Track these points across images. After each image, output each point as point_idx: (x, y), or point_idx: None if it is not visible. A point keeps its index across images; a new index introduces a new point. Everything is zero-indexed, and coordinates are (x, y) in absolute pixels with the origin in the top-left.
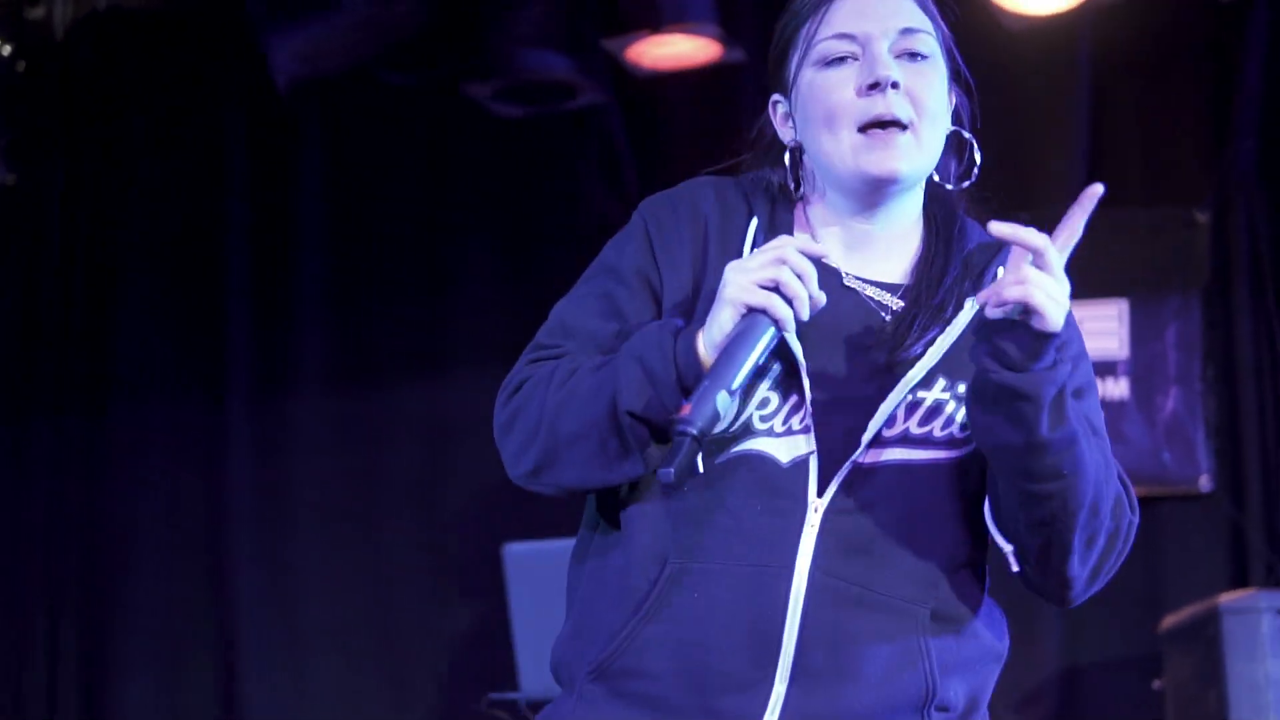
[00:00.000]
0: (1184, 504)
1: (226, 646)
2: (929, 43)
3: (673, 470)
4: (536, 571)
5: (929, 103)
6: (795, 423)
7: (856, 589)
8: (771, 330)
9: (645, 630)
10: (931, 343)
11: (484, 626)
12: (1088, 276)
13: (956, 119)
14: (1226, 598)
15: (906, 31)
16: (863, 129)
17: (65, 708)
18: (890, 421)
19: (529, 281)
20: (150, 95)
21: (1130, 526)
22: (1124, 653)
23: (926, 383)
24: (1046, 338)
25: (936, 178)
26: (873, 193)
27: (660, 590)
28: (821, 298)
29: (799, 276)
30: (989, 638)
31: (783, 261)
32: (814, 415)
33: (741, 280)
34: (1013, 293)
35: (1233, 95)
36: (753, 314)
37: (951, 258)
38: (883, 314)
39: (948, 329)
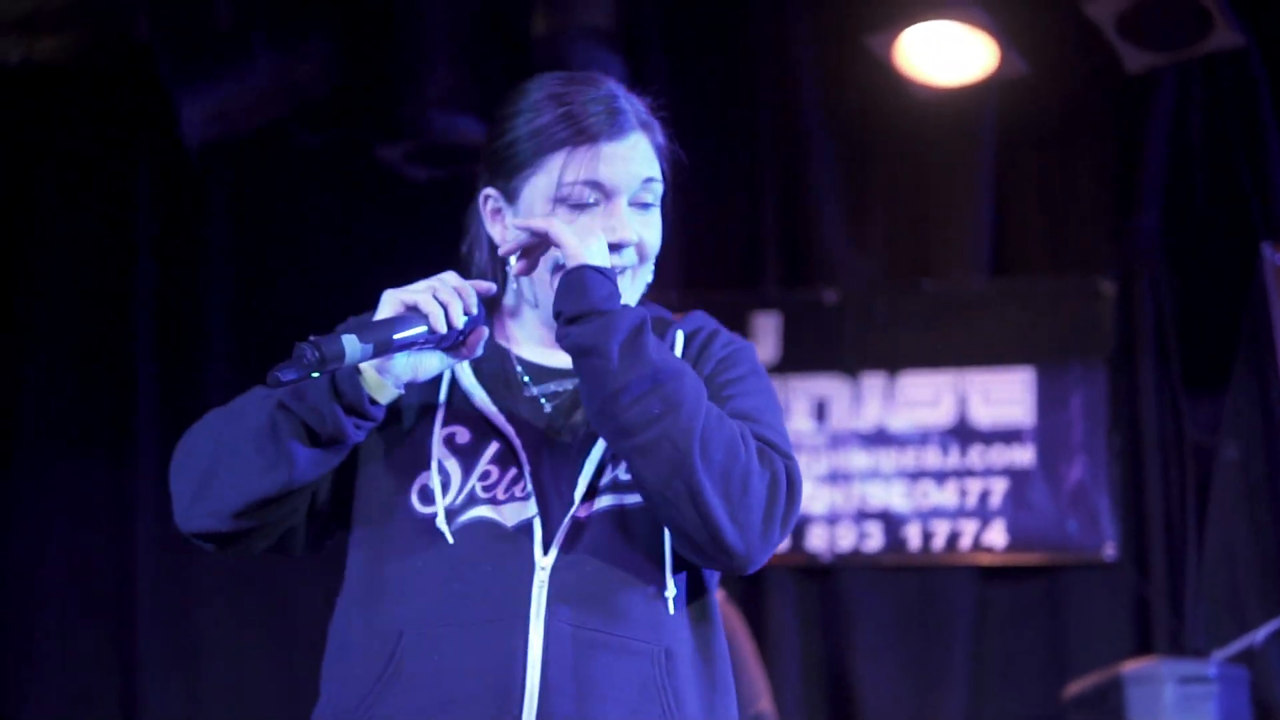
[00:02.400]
0: (1088, 572)
1: (129, 704)
2: (656, 190)
3: (279, 372)
4: None
5: (653, 247)
6: (517, 490)
7: (593, 633)
8: (423, 327)
9: (383, 705)
10: None
11: None
12: (995, 344)
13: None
14: (1130, 665)
15: (647, 181)
16: None
17: None
18: (600, 472)
19: None
20: (60, 152)
21: (786, 468)
22: (1028, 718)
23: None
24: (588, 272)
25: None
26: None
27: (396, 663)
28: (474, 309)
29: (458, 298)
30: (719, 673)
31: (438, 285)
32: (533, 482)
33: (399, 292)
34: (532, 224)
35: (1138, 166)
36: (411, 311)
37: None
38: (570, 390)
39: None
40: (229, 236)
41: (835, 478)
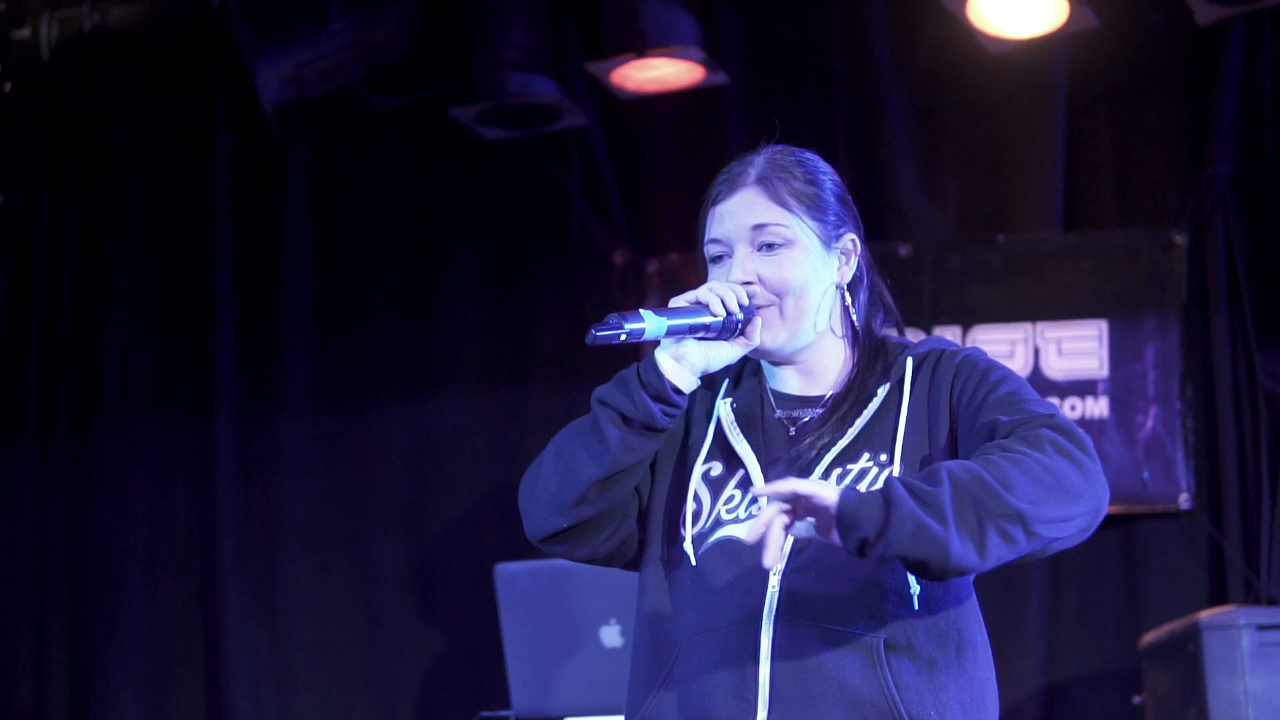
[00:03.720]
0: (1163, 522)
1: (214, 665)
2: (780, 232)
3: (594, 332)
4: (528, 591)
5: (787, 283)
6: (755, 510)
7: (816, 628)
8: (707, 315)
9: (660, 696)
10: (850, 426)
11: (474, 645)
12: (1068, 297)
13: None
14: (1206, 614)
15: (758, 228)
16: None
17: (54, 711)
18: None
19: (513, 302)
20: (137, 116)
21: (1054, 428)
22: (1104, 669)
23: (852, 456)
24: (851, 540)
25: (854, 314)
26: (758, 356)
27: (671, 666)
28: (745, 301)
29: (733, 292)
30: (955, 668)
31: (713, 284)
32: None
33: (684, 295)
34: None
35: (1209, 117)
36: (696, 305)
37: (868, 366)
38: (813, 418)
39: (862, 414)
40: (305, 198)
41: None
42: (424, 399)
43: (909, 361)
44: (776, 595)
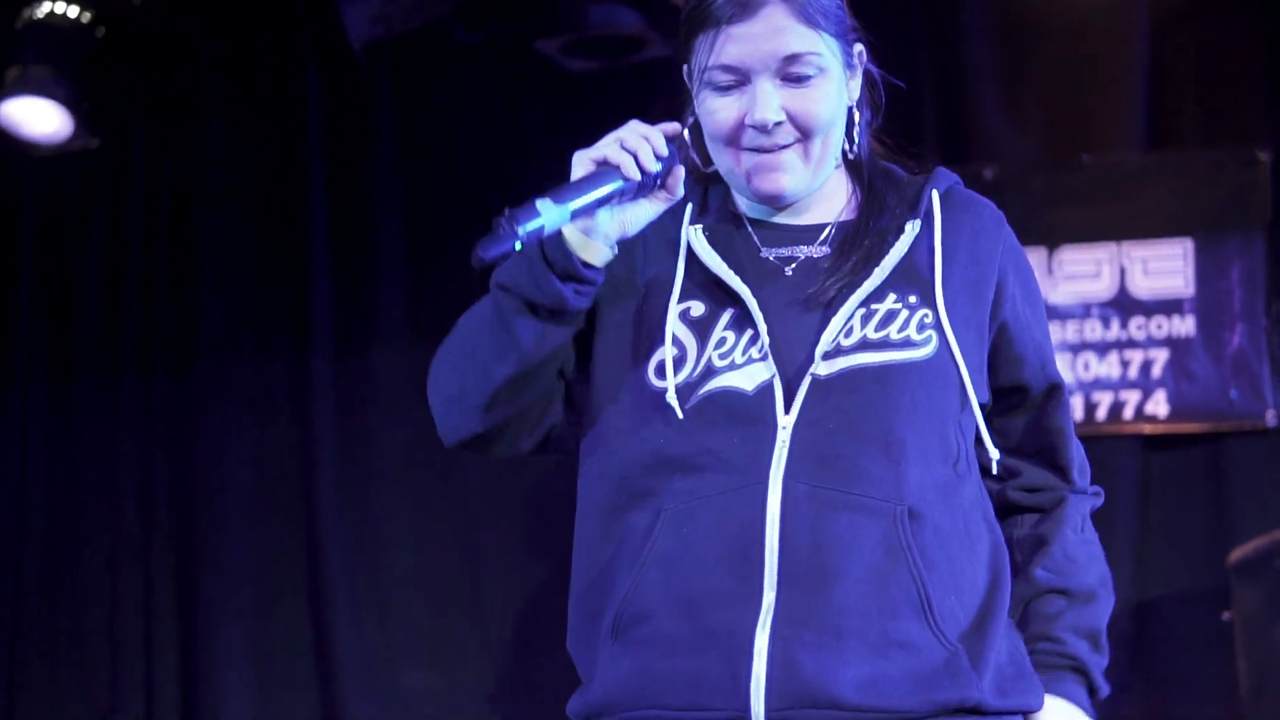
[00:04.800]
0: (1250, 439)
1: (316, 597)
2: (815, 61)
3: (481, 250)
4: None
5: (818, 119)
6: (754, 352)
7: (832, 492)
8: (618, 180)
9: (644, 577)
10: (879, 262)
11: (567, 575)
12: (1153, 216)
13: (868, 79)
14: None
15: (790, 58)
16: (751, 149)
17: (161, 656)
18: (848, 332)
19: None
20: (227, 58)
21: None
22: (1193, 586)
23: (878, 296)
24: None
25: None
26: (769, 202)
27: (655, 540)
28: (663, 150)
29: (645, 142)
30: (979, 535)
31: (624, 135)
32: (771, 343)
33: (587, 151)
34: None
35: None
36: (602, 166)
37: (887, 194)
38: (813, 255)
39: (892, 250)
40: (395, 134)
41: None
42: None
43: (934, 195)
44: (786, 451)
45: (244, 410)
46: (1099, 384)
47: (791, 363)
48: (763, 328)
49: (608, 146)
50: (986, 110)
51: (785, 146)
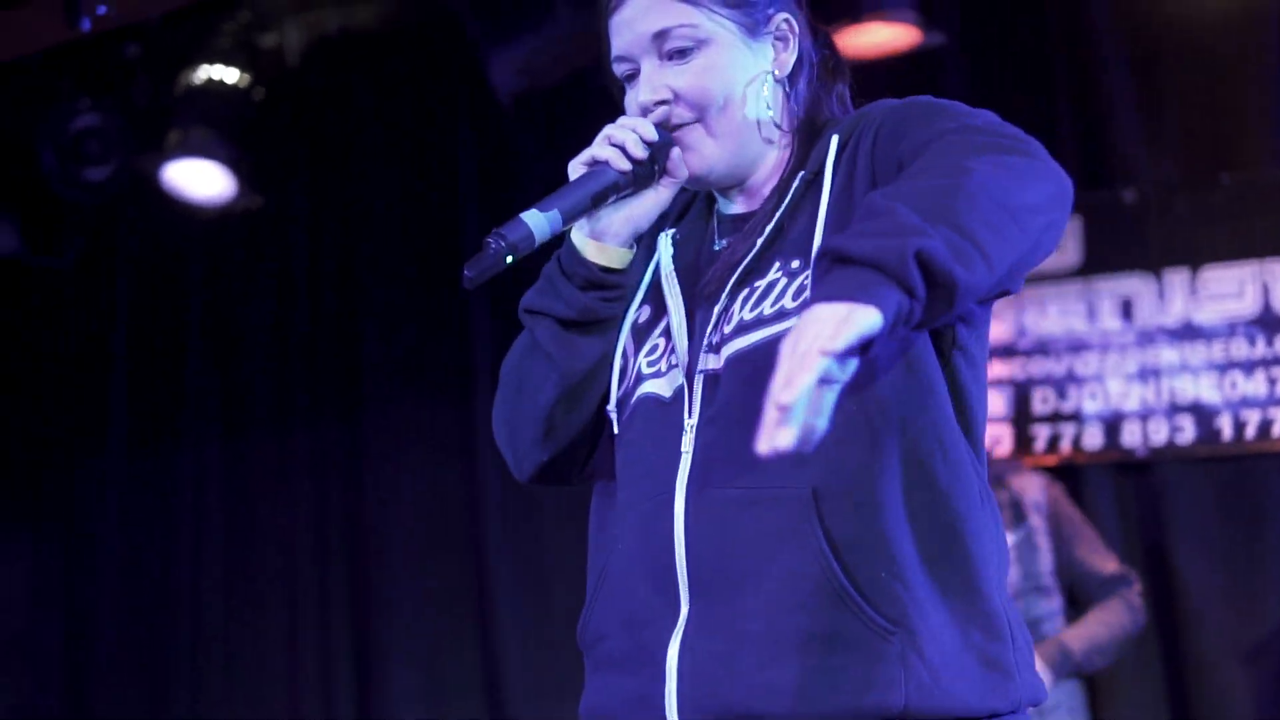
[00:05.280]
0: None
1: (485, 634)
2: (688, 34)
3: (469, 270)
4: None
5: (706, 91)
6: (672, 359)
7: (735, 490)
8: (611, 176)
9: (599, 599)
10: (759, 235)
11: None
12: None
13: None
14: None
15: (659, 35)
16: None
17: (339, 698)
18: (729, 318)
19: None
20: (382, 110)
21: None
22: None
23: (760, 271)
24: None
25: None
26: (698, 185)
27: (608, 558)
28: (651, 136)
29: (631, 132)
30: (910, 503)
31: (609, 130)
32: (688, 348)
33: (579, 156)
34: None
35: None
36: (594, 166)
37: (797, 160)
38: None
39: (775, 216)
40: (544, 181)
41: (1145, 374)
42: None
43: (834, 138)
44: (691, 455)
45: (412, 454)
46: (1246, 402)
47: (694, 362)
48: (680, 332)
49: (595, 144)
50: (1124, 133)
51: (686, 124)
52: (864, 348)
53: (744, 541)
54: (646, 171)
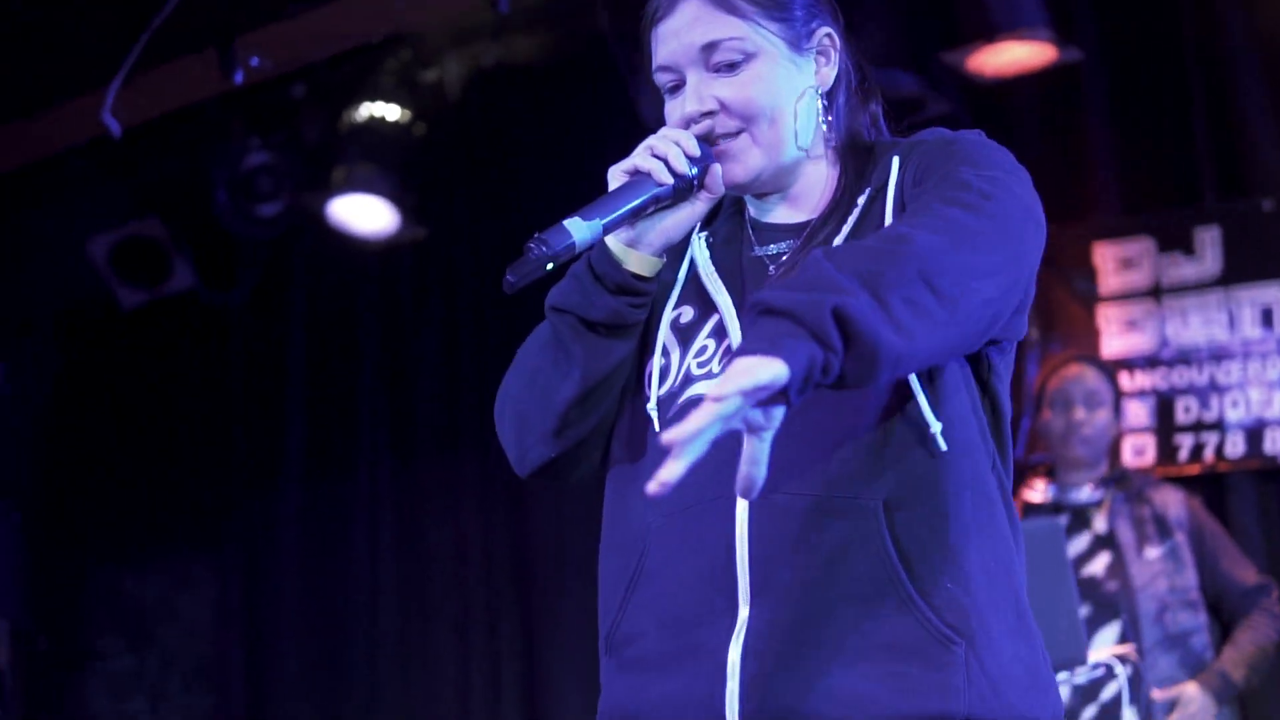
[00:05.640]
0: None
1: None
2: (737, 46)
3: (510, 275)
4: None
5: (754, 102)
6: (725, 360)
7: (800, 497)
8: (651, 187)
9: (633, 598)
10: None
11: None
12: None
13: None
14: None
15: (708, 47)
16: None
17: (508, 708)
18: None
19: None
20: (540, 143)
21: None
22: None
23: None
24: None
25: (825, 128)
26: (740, 191)
27: (640, 558)
28: (694, 150)
29: (675, 145)
30: (973, 519)
31: (653, 141)
32: None
33: (619, 164)
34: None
35: None
36: (635, 176)
37: (854, 177)
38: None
39: (841, 232)
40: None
41: None
42: None
43: (895, 160)
44: None
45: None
46: None
47: None
48: (735, 335)
49: (638, 155)
50: (1262, 143)
51: (731, 135)
52: (785, 395)
53: (812, 547)
54: (688, 184)
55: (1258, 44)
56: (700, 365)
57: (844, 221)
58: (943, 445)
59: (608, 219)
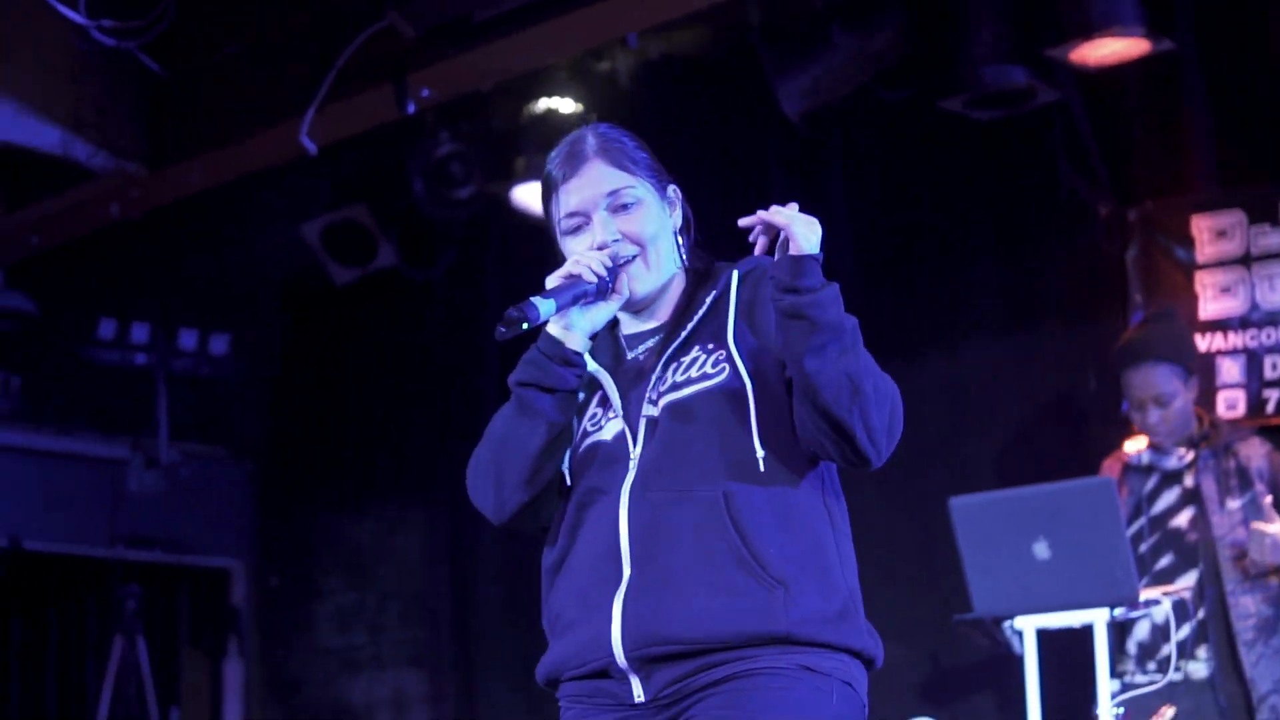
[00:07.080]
0: None
1: None
2: (631, 193)
3: (500, 326)
4: (976, 518)
5: (644, 233)
6: (610, 415)
7: (665, 493)
8: (582, 285)
9: (557, 585)
10: (682, 329)
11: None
12: None
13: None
14: None
15: (612, 193)
16: None
17: None
18: (663, 382)
19: (1019, 257)
20: (702, 130)
21: (896, 398)
22: None
23: (684, 350)
24: (806, 260)
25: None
26: (628, 307)
27: (564, 560)
28: (608, 262)
29: (595, 258)
30: (790, 511)
31: (577, 257)
32: (622, 405)
33: (556, 272)
34: (767, 216)
35: None
36: (568, 278)
37: (700, 285)
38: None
39: (693, 319)
40: (844, 191)
41: None
42: (953, 346)
43: (735, 274)
44: (634, 472)
45: None
46: None
47: (634, 414)
48: (615, 398)
49: (569, 265)
50: None
51: (629, 260)
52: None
53: (675, 526)
54: (605, 286)
55: None
56: (593, 424)
57: (691, 318)
58: (763, 468)
59: (559, 302)
